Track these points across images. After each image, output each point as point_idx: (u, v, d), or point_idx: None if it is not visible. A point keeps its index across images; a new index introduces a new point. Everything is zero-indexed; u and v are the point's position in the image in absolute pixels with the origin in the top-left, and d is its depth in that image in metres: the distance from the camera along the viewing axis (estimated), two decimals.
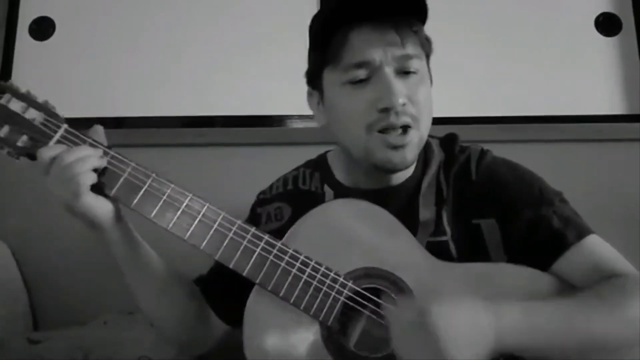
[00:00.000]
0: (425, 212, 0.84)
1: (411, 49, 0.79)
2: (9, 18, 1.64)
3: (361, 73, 0.78)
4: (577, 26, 1.59)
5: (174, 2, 1.64)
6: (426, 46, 0.83)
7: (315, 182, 0.94)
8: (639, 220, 1.36)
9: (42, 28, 1.64)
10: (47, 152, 0.73)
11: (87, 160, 0.72)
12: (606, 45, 1.58)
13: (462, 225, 0.83)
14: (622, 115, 1.54)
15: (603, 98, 1.55)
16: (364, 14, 0.77)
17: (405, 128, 0.78)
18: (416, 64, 0.80)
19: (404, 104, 0.77)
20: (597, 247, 0.79)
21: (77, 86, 1.59)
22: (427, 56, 0.85)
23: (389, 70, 0.78)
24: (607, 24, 1.59)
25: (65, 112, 0.81)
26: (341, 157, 0.92)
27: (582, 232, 0.79)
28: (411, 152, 0.80)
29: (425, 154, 0.89)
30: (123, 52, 1.61)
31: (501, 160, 0.88)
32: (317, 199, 0.90)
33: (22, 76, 1.60)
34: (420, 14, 0.81)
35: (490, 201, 0.82)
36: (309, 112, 1.54)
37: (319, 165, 0.96)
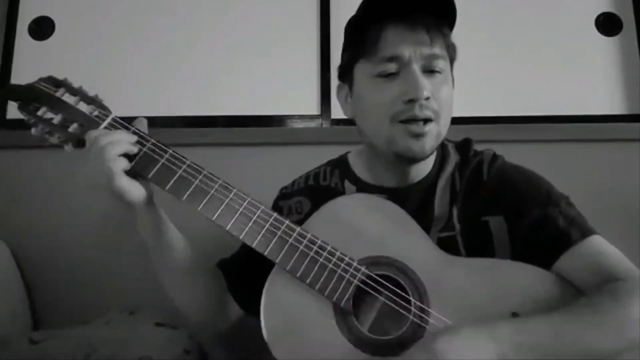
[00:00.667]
0: (440, 209, 0.88)
1: (438, 49, 0.85)
2: (9, 18, 1.64)
3: (391, 67, 0.84)
4: (577, 26, 1.60)
5: (175, 2, 1.64)
6: (452, 51, 0.89)
7: (335, 179, 0.99)
8: (639, 220, 1.36)
9: (42, 28, 1.65)
10: (93, 133, 0.78)
11: (119, 144, 0.77)
12: (606, 45, 1.59)
13: (471, 221, 0.87)
14: (622, 115, 1.54)
15: (603, 98, 1.56)
16: (398, 12, 0.83)
17: (426, 120, 0.83)
18: (442, 64, 0.85)
19: (427, 98, 0.82)
20: (600, 247, 0.81)
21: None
22: (452, 61, 0.90)
23: (416, 67, 0.83)
24: (607, 24, 1.59)
25: None
26: (363, 155, 0.97)
27: (586, 231, 0.82)
28: (429, 143, 0.84)
29: (442, 155, 0.94)
30: (123, 52, 1.61)
31: (511, 164, 0.93)
32: (335, 194, 0.94)
33: (21, 76, 1.61)
34: (449, 17, 0.87)
35: (499, 199, 0.87)
36: (309, 112, 1.57)
37: (340, 163, 1.01)
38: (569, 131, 1.48)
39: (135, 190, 0.78)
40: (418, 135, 0.83)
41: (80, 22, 1.64)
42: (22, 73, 1.61)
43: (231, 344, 0.99)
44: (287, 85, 1.58)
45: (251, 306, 0.82)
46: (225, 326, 0.97)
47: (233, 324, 0.97)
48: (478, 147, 0.97)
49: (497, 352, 0.66)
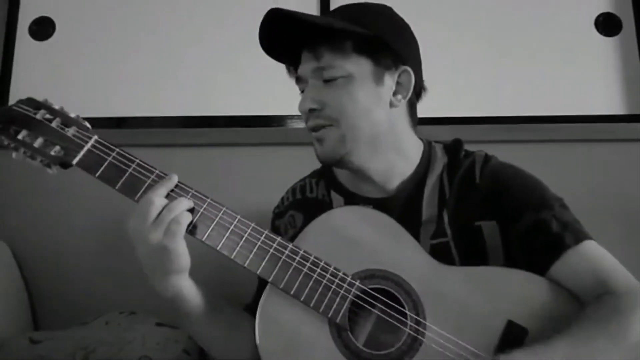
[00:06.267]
0: (428, 214, 0.87)
1: (327, 61, 0.86)
2: (9, 18, 1.64)
3: (299, 86, 0.92)
4: (577, 26, 1.60)
5: (174, 2, 1.64)
6: (357, 49, 0.86)
7: (321, 190, 0.98)
8: (639, 220, 1.36)
9: (42, 28, 1.65)
10: (158, 200, 0.75)
11: (187, 216, 0.75)
12: (606, 45, 1.58)
13: (464, 226, 0.86)
14: (622, 115, 1.54)
15: (602, 98, 1.55)
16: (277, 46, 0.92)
17: (316, 128, 0.88)
18: (337, 72, 0.86)
19: (310, 110, 0.87)
20: (594, 252, 0.80)
21: (78, 86, 1.59)
22: (373, 56, 0.86)
23: (312, 81, 0.88)
24: (607, 24, 1.59)
25: None
26: None
27: (580, 236, 0.81)
28: (330, 146, 0.87)
29: (429, 157, 0.93)
30: (123, 52, 1.62)
31: (505, 164, 0.91)
32: (324, 206, 0.94)
33: (22, 76, 1.61)
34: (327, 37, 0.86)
35: (492, 204, 0.86)
36: None
37: (324, 174, 1.00)
38: (568, 131, 1.48)
39: (186, 252, 0.76)
40: (318, 140, 0.88)
41: (80, 22, 1.64)
42: (22, 73, 1.61)
43: None
44: (287, 85, 1.57)
45: None
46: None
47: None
48: (477, 148, 0.95)
49: None
